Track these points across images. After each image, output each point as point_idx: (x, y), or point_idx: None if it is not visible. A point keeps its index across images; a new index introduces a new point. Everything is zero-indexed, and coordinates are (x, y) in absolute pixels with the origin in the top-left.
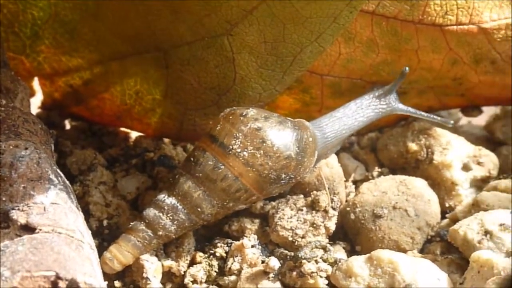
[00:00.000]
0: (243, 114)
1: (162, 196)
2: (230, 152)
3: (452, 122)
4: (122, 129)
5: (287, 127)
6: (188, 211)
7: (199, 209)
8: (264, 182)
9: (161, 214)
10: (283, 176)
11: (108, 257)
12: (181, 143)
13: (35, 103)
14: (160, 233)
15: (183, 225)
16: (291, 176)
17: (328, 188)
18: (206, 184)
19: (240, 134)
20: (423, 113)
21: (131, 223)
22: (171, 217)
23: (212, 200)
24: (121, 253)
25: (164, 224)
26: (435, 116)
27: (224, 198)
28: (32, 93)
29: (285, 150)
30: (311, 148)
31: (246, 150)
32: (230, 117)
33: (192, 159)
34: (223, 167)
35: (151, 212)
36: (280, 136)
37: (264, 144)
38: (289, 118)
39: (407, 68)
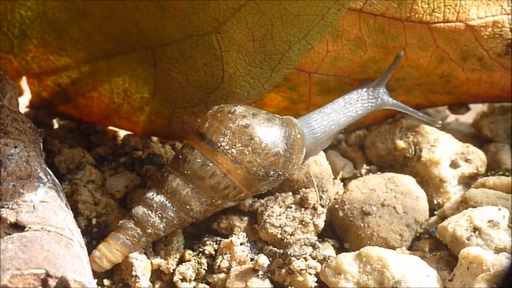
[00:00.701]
0: (231, 111)
1: (150, 194)
2: (219, 149)
3: (440, 122)
4: (111, 127)
5: (275, 124)
6: (177, 208)
7: (188, 207)
8: (253, 179)
9: (150, 212)
10: (272, 173)
11: (97, 255)
12: (170, 141)
13: (23, 102)
14: (149, 231)
15: (172, 222)
16: (280, 173)
17: (317, 185)
18: (195, 182)
19: (228, 131)
20: (412, 109)
21: (120, 222)
22: (159, 215)
23: (201, 198)
24: (110, 251)
25: (153, 222)
26: (423, 115)
27: (212, 196)
28: (20, 92)
29: (273, 147)
30: (299, 145)
31: (234, 147)
32: (218, 115)
33: (180, 156)
34: (211, 164)
35: (140, 210)
36: (268, 133)
37: (252, 141)
38: (277, 115)
39: (401, 52)
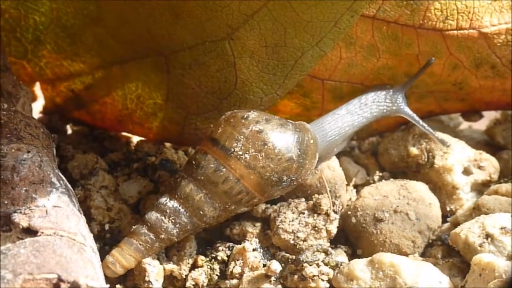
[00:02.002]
0: (244, 116)
1: (163, 200)
2: (232, 154)
3: (449, 144)
4: (124, 133)
5: (288, 130)
6: (190, 214)
7: (201, 212)
8: (266, 185)
9: (163, 218)
10: (285, 178)
11: (110, 261)
12: (183, 147)
13: (37, 108)
14: (162, 236)
15: (185, 228)
16: (293, 178)
17: (330, 191)
18: (208, 187)
19: (242, 136)
20: (425, 125)
21: (133, 227)
22: (173, 220)
23: (214, 203)
24: (123, 257)
25: (166, 227)
26: (434, 133)
27: (226, 201)
28: (33, 98)
29: (287, 153)
30: (312, 150)
31: (247, 152)
32: (231, 120)
33: (193, 162)
34: (224, 169)
35: (153, 215)
36: (282, 138)
37: (266, 147)
38: (290, 121)
39: (432, 59)
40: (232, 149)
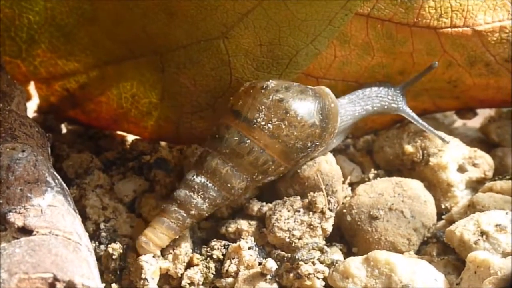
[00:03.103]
0: (264, 86)
1: (191, 176)
2: (255, 125)
3: (449, 140)
4: (119, 132)
5: (309, 96)
6: (218, 188)
7: (229, 185)
8: (291, 152)
9: (192, 194)
10: (309, 144)
11: (143, 241)
12: (178, 146)
13: (32, 107)
14: (193, 212)
15: (215, 202)
16: (317, 143)
17: (327, 185)
18: (234, 160)
19: (263, 107)
20: (425, 123)
21: (163, 205)
22: (202, 196)
23: (241, 175)
24: (156, 236)
25: (196, 203)
26: (434, 130)
27: (252, 172)
28: (28, 97)
29: (309, 119)
30: (334, 114)
31: (270, 122)
32: (251, 91)
33: (217, 136)
34: (248, 141)
35: (181, 192)
36: (303, 105)
37: (288, 115)
38: (309, 86)
39: (436, 63)
40: (255, 120)
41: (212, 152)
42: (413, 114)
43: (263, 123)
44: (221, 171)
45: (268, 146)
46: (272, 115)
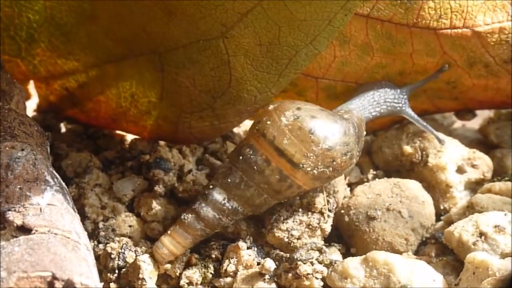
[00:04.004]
0: (311, 131)
1: (221, 199)
2: (300, 170)
3: (444, 141)
4: (118, 131)
5: (350, 136)
6: (245, 210)
7: (254, 207)
8: (321, 183)
9: (221, 216)
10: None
11: (160, 248)
12: (177, 146)
13: (31, 106)
14: (218, 229)
15: (238, 218)
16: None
17: (329, 183)
18: (270, 193)
19: (311, 154)
20: (427, 125)
21: (186, 220)
22: (230, 218)
23: (271, 202)
24: (173, 246)
25: (223, 224)
26: (434, 131)
27: (280, 199)
28: (27, 96)
29: (351, 159)
30: (362, 133)
31: (316, 169)
32: (299, 133)
33: (255, 167)
34: (289, 180)
35: (210, 214)
36: (345, 148)
37: (335, 163)
38: (351, 127)
39: (446, 66)
40: (301, 165)
41: (247, 181)
42: (416, 116)
43: (309, 169)
44: (255, 200)
45: (307, 184)
46: (320, 163)
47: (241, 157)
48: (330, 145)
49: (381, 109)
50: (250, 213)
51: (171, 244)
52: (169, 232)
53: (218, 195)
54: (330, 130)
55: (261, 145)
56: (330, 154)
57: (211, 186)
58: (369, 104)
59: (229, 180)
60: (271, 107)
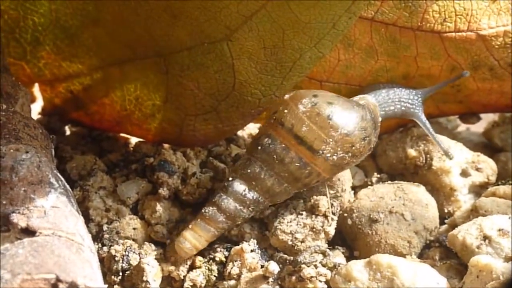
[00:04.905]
0: (330, 117)
1: (242, 190)
2: (319, 156)
3: (452, 156)
4: (122, 134)
5: (368, 121)
6: (266, 200)
7: (274, 196)
8: (340, 170)
9: (242, 207)
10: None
11: (183, 243)
12: (181, 149)
13: (36, 109)
14: (239, 221)
15: (259, 208)
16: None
17: (338, 182)
18: (290, 181)
19: (331, 140)
20: (436, 135)
21: (207, 213)
22: (251, 209)
23: (291, 191)
24: (195, 239)
25: (244, 215)
26: (442, 144)
27: (300, 187)
28: (32, 99)
29: (369, 144)
30: (377, 118)
31: (335, 154)
32: (317, 119)
33: (274, 156)
34: (309, 168)
35: (231, 205)
36: (363, 133)
37: (354, 148)
38: (365, 107)
39: (467, 72)
40: (321, 152)
41: (267, 170)
42: (427, 123)
43: (328, 155)
44: (275, 190)
45: (326, 171)
46: (339, 149)
47: (259, 147)
48: (349, 130)
49: (395, 107)
50: (270, 204)
51: (193, 238)
52: (190, 226)
53: (239, 186)
54: (348, 116)
55: (279, 134)
56: (349, 139)
57: (230, 178)
58: (384, 101)
59: (249, 171)
60: (286, 96)
